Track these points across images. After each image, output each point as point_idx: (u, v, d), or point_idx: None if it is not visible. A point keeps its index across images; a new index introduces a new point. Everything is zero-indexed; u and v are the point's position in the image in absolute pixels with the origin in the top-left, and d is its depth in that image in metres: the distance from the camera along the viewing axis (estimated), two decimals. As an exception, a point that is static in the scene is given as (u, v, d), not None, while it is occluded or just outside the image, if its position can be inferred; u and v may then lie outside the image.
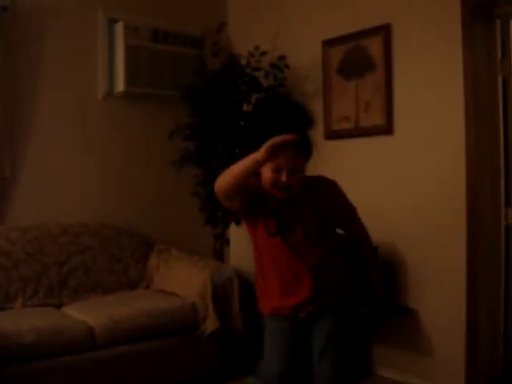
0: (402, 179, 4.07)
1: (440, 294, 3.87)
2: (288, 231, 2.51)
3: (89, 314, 3.72)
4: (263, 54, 4.51)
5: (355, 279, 3.18)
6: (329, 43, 4.43)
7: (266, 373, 2.65)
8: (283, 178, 2.40)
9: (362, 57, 4.23)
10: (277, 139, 2.18)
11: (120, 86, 4.62)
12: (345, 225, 2.76)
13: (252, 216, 2.56)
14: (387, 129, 4.10)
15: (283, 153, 2.34)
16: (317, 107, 4.50)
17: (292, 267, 2.53)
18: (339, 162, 4.35)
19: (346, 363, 2.60)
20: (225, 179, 2.37)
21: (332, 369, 2.55)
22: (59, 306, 3.96)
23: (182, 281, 4.15)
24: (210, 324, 3.89)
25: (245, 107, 4.59)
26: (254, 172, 2.34)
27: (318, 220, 2.54)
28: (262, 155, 2.19)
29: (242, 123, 4.48)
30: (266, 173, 2.43)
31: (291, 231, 2.51)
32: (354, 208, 2.76)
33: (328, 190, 2.66)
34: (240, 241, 4.65)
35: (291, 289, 2.55)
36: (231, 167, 2.35)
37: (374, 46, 4.13)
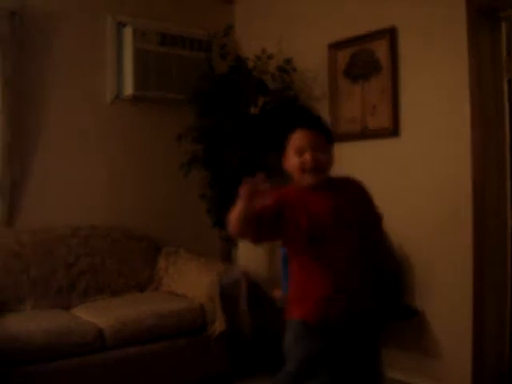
0: (408, 181, 4.07)
1: (446, 295, 3.87)
2: (333, 234, 2.43)
3: (98, 315, 3.75)
4: (270, 57, 4.54)
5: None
6: (335, 46, 4.45)
7: None
8: (308, 156, 2.40)
9: (368, 60, 4.25)
10: (247, 185, 2.18)
11: (128, 89, 4.66)
12: (372, 228, 2.68)
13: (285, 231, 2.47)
14: (393, 131, 4.11)
15: (298, 134, 2.41)
16: (323, 110, 4.52)
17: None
18: (346, 165, 4.32)
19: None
20: (232, 226, 2.36)
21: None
22: (68, 308, 3.99)
23: (190, 282, 4.18)
24: (218, 325, 3.91)
25: (252, 110, 4.61)
26: (253, 213, 2.29)
27: (356, 209, 2.50)
28: (241, 203, 2.22)
29: (250, 126, 4.51)
30: (293, 161, 2.44)
31: (336, 233, 2.43)
32: (382, 214, 2.72)
33: (360, 188, 2.65)
34: (248, 243, 4.66)
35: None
36: (230, 216, 2.32)
37: (380, 49, 4.15)
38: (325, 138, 2.47)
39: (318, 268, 2.46)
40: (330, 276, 2.44)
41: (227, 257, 4.70)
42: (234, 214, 2.30)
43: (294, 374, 2.47)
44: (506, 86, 3.85)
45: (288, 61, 4.53)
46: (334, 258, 2.44)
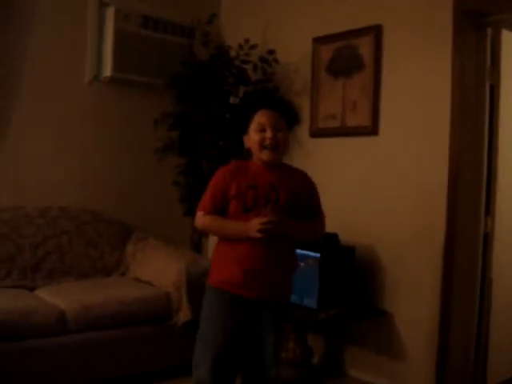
0: (382, 181, 4.06)
1: (415, 298, 3.87)
2: (263, 206, 2.59)
3: (61, 298, 3.68)
4: (253, 47, 4.49)
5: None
6: (319, 40, 4.41)
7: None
8: (268, 134, 2.61)
9: (351, 56, 4.21)
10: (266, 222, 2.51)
11: (107, 71, 4.58)
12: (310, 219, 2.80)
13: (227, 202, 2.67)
14: (372, 130, 4.08)
15: (263, 113, 2.64)
16: (304, 104, 4.49)
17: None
18: (323, 160, 4.34)
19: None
20: (209, 230, 2.80)
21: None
22: (32, 289, 3.91)
23: (157, 270, 4.12)
24: (183, 315, 3.86)
25: (232, 100, 4.56)
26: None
27: (290, 201, 2.64)
28: (256, 236, 2.53)
29: (228, 115, 4.46)
30: (254, 137, 2.65)
31: (266, 206, 2.59)
32: (324, 215, 2.86)
33: (307, 182, 2.81)
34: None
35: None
36: (216, 225, 2.67)
37: (364, 46, 4.12)
38: (285, 121, 2.68)
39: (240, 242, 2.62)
40: (250, 251, 2.60)
41: (197, 246, 4.65)
42: (225, 232, 2.67)
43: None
44: (487, 91, 3.85)
45: (271, 51, 4.48)
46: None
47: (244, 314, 2.67)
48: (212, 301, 2.72)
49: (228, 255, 2.66)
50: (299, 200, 2.68)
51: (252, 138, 2.66)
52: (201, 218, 2.70)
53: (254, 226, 2.53)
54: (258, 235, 2.52)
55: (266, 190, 2.61)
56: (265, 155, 2.64)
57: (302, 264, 3.76)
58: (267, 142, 2.61)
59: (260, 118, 2.64)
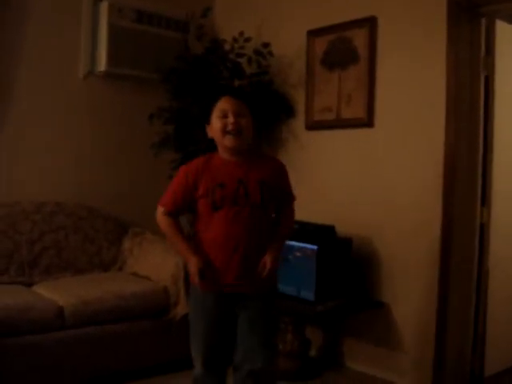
0: (379, 173, 4.06)
1: (413, 289, 3.88)
2: (232, 203, 2.59)
3: (59, 293, 3.68)
4: (247, 40, 4.48)
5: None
6: (314, 33, 4.41)
7: None
8: (231, 119, 2.59)
9: (346, 48, 4.21)
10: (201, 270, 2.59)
11: (101, 65, 4.56)
12: (282, 207, 2.80)
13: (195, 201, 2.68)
14: (368, 122, 4.08)
15: (224, 99, 2.63)
16: (299, 97, 4.50)
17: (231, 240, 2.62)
18: (319, 153, 4.34)
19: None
20: (165, 234, 2.78)
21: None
22: (30, 285, 3.91)
23: (154, 264, 4.12)
24: (181, 308, 3.85)
25: (227, 93, 4.55)
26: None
27: (261, 194, 2.63)
28: (193, 279, 2.65)
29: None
30: (216, 124, 2.64)
31: (235, 203, 2.60)
32: (294, 196, 2.85)
33: (278, 168, 2.78)
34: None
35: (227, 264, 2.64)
36: (170, 236, 2.74)
37: (359, 39, 4.12)
38: (247, 107, 2.66)
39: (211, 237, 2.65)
40: (218, 247, 2.62)
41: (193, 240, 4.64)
42: (173, 244, 2.77)
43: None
44: (482, 83, 3.86)
45: (266, 44, 4.47)
46: (228, 230, 2.60)
47: (227, 308, 2.69)
48: (195, 298, 2.75)
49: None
50: (270, 188, 2.66)
51: (214, 126, 2.65)
52: (159, 216, 2.74)
53: (191, 267, 2.62)
54: (193, 279, 2.64)
55: (234, 186, 2.60)
56: (228, 141, 2.62)
57: (298, 254, 3.78)
58: (230, 128, 2.60)
59: (222, 105, 2.63)
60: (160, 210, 2.74)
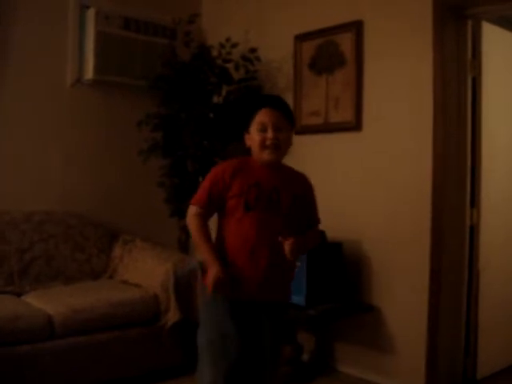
0: (368, 177, 4.06)
1: (403, 292, 3.88)
2: (265, 206, 2.54)
3: (48, 302, 3.66)
4: (234, 45, 4.48)
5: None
6: (301, 38, 4.41)
7: None
8: (270, 134, 2.53)
9: (333, 52, 4.22)
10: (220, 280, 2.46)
11: (89, 73, 4.55)
12: (306, 228, 2.71)
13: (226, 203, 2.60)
14: (356, 125, 4.09)
15: (264, 112, 2.55)
16: (287, 101, 4.46)
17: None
18: (307, 157, 4.33)
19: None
20: (191, 231, 2.62)
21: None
22: (19, 295, 3.88)
23: (145, 272, 4.11)
24: (172, 316, 3.85)
25: (215, 99, 4.56)
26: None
27: (292, 205, 2.58)
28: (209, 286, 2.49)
29: (212, 115, 4.45)
30: (254, 136, 2.57)
31: (268, 207, 2.54)
32: (319, 219, 2.79)
33: (309, 187, 2.74)
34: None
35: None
36: (197, 237, 2.59)
37: (346, 42, 4.12)
38: (287, 120, 2.60)
39: (237, 241, 2.57)
40: (245, 252, 2.54)
41: (184, 247, 4.63)
42: (198, 247, 2.61)
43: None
44: (469, 84, 3.86)
45: (253, 50, 4.47)
46: (259, 234, 2.54)
47: (243, 318, 2.59)
48: (211, 306, 2.64)
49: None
50: (300, 204, 2.62)
51: (253, 138, 2.58)
52: (190, 216, 2.62)
53: (211, 273, 2.49)
54: (208, 286, 2.49)
55: (269, 190, 2.55)
56: (266, 155, 2.56)
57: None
58: (268, 142, 2.53)
59: (261, 118, 2.56)
60: (192, 209, 2.62)
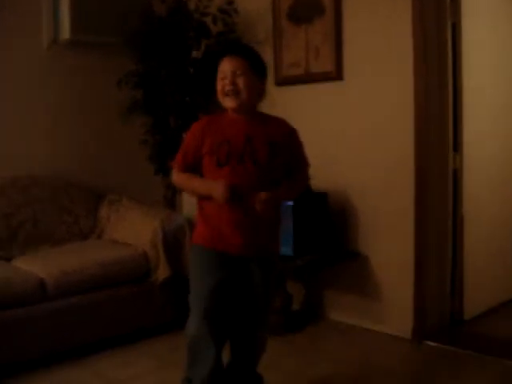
0: (351, 125, 4.07)
1: (389, 239, 3.92)
2: (238, 161, 2.53)
3: (39, 265, 3.68)
4: (211, -2, 4.42)
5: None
6: (278, -13, 4.36)
7: None
8: (226, 80, 2.53)
9: (311, 1, 4.17)
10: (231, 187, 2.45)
11: (65, 33, 4.45)
12: (293, 173, 2.72)
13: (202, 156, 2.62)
14: (337, 75, 4.07)
15: (224, 60, 2.57)
16: (267, 53, 4.44)
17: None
18: (289, 108, 4.30)
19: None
20: (181, 188, 2.79)
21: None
22: (9, 259, 3.89)
23: (132, 230, 4.13)
24: (162, 272, 3.89)
25: (194, 54, 4.51)
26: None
27: (269, 155, 2.56)
28: (222, 199, 2.47)
29: (192, 70, 4.42)
30: (218, 87, 2.57)
31: (241, 161, 2.53)
32: (308, 162, 2.78)
33: (289, 131, 2.70)
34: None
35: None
36: (187, 184, 2.68)
37: (323, -9, 4.08)
38: (249, 65, 2.57)
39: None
40: (220, 207, 2.55)
41: (171, 203, 4.65)
42: (191, 190, 2.69)
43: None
44: (449, 31, 3.85)
45: (230, 2, 4.42)
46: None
47: (230, 270, 2.62)
48: (197, 259, 2.68)
49: (209, 214, 2.62)
50: (280, 151, 2.59)
51: (217, 89, 2.58)
52: (174, 175, 2.70)
53: (218, 188, 2.47)
54: (221, 200, 2.47)
55: (241, 144, 2.53)
56: (227, 103, 2.56)
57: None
58: (226, 89, 2.53)
59: (222, 66, 2.56)
60: (174, 170, 2.69)
